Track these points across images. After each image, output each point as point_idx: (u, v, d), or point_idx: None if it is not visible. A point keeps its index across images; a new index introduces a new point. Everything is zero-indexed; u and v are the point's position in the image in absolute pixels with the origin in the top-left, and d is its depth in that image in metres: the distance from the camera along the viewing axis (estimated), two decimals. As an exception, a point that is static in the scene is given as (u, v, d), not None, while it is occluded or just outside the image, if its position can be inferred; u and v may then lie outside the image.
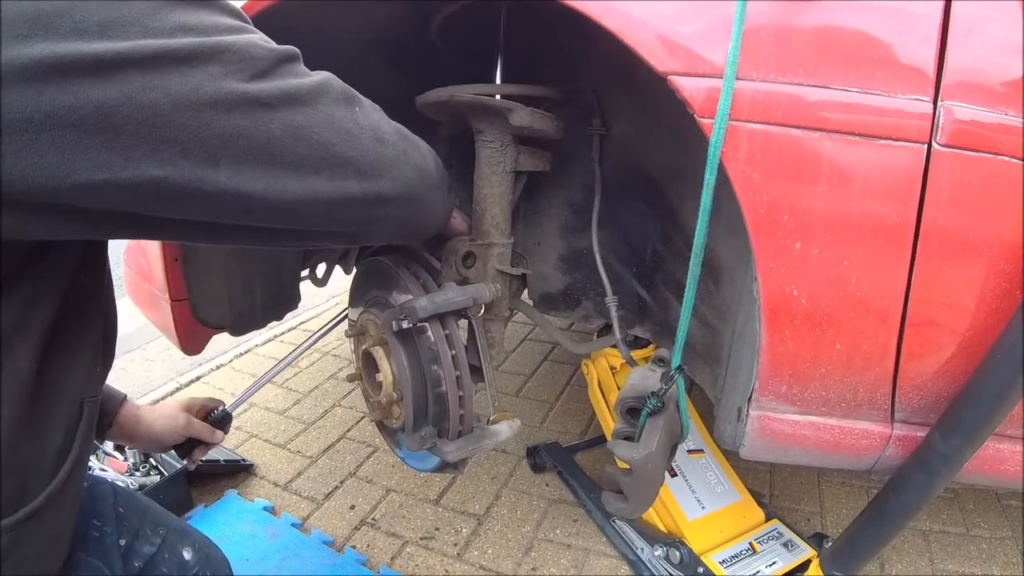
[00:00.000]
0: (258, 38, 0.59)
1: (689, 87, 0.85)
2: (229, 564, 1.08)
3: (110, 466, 1.76)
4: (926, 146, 0.82)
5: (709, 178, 0.84)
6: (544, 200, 1.53)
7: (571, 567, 1.56)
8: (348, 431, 2.17)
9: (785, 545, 1.48)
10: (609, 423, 1.71)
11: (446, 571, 1.55)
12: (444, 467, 1.21)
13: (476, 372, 1.25)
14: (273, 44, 0.61)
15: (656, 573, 1.46)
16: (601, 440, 2.03)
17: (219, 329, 1.58)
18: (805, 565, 1.42)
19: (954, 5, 0.83)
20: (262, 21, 1.10)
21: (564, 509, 1.77)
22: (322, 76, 0.66)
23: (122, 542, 0.90)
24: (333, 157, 0.64)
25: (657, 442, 0.95)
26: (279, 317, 1.77)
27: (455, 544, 1.64)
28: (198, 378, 2.59)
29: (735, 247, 1.09)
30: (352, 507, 1.78)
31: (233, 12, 0.60)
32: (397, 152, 0.74)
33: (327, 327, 1.74)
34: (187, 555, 0.98)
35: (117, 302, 0.81)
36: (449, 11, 1.28)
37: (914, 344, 0.89)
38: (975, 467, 0.94)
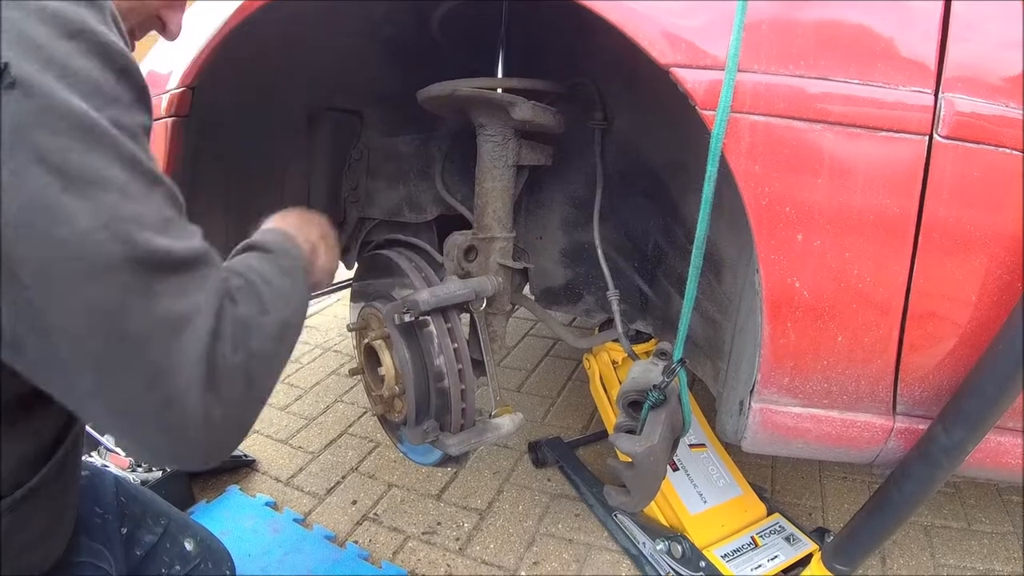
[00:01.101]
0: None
1: (691, 79, 0.85)
2: (231, 558, 1.08)
3: (112, 462, 1.76)
4: (927, 138, 0.81)
5: (711, 170, 0.84)
6: (546, 194, 1.53)
7: (573, 562, 1.56)
8: (350, 426, 2.18)
9: (787, 539, 1.49)
10: (611, 417, 1.71)
11: (448, 566, 1.55)
12: (446, 461, 1.21)
13: (478, 366, 1.26)
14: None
15: (658, 567, 1.46)
16: (603, 435, 2.03)
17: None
18: (807, 559, 1.42)
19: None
20: (261, 18, 1.11)
21: (566, 504, 1.77)
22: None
23: (123, 530, 0.92)
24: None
25: (659, 435, 0.95)
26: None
27: (457, 539, 1.64)
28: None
29: (737, 240, 1.09)
30: (354, 502, 1.78)
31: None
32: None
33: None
34: (188, 546, 0.99)
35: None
36: (450, 5, 1.28)
37: (916, 336, 0.89)
38: (977, 460, 0.94)
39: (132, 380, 0.50)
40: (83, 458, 0.84)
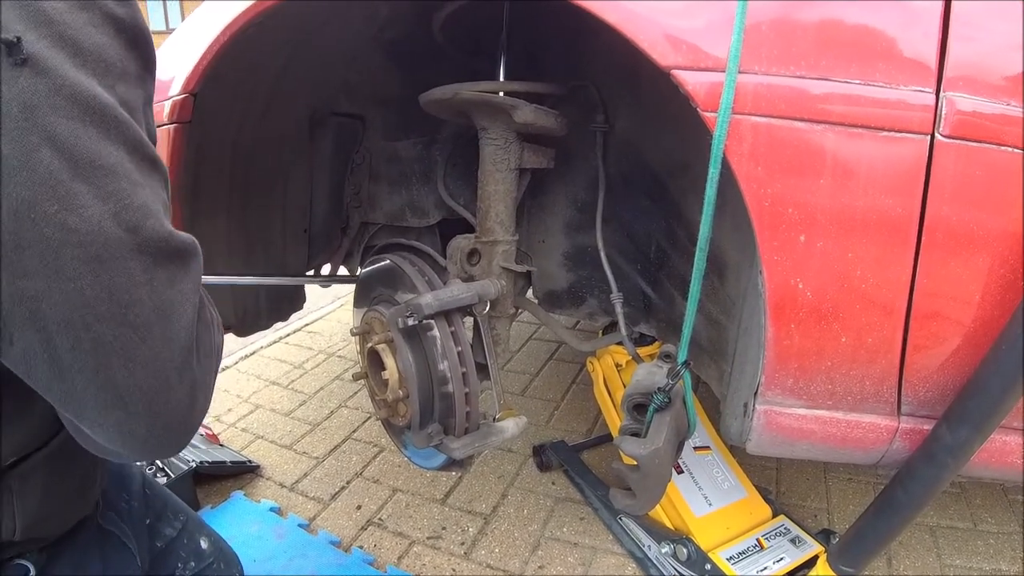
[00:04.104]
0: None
1: (692, 81, 0.85)
2: (240, 562, 1.09)
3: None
4: (929, 137, 0.81)
5: (713, 172, 0.84)
6: (548, 197, 1.53)
7: (578, 565, 1.56)
8: (354, 431, 2.18)
9: (792, 541, 1.48)
10: (615, 420, 1.71)
11: (453, 570, 1.55)
12: (450, 465, 1.21)
13: (482, 370, 1.26)
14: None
15: (663, 571, 1.46)
16: (607, 438, 2.03)
17: (224, 330, 1.58)
18: (812, 561, 1.42)
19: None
20: (263, 22, 1.11)
21: (571, 507, 1.77)
22: None
23: (147, 520, 0.94)
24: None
25: (664, 438, 0.95)
26: (284, 318, 1.77)
27: (462, 543, 1.64)
28: (204, 380, 2.59)
29: (740, 242, 1.09)
30: (359, 507, 1.78)
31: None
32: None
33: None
34: (204, 544, 1.01)
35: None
36: (451, 8, 1.28)
37: (920, 336, 0.89)
38: (982, 460, 0.94)
39: (131, 368, 0.50)
40: None
